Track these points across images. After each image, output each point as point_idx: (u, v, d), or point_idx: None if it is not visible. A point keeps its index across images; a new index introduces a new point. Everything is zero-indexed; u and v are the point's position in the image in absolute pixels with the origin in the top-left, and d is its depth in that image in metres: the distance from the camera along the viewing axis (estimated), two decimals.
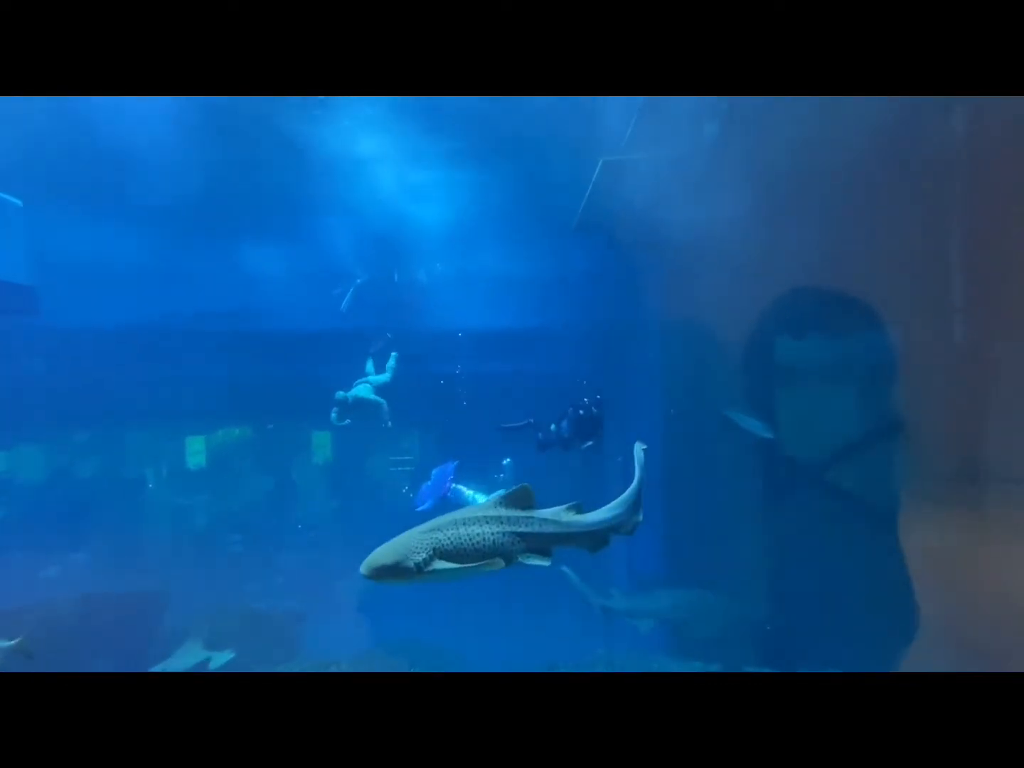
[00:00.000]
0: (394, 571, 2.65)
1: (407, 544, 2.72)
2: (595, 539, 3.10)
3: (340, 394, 7.78)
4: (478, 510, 2.93)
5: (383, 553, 2.71)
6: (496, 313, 9.22)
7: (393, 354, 8.22)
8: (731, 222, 5.60)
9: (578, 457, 7.65)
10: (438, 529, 2.79)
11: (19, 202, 7.11)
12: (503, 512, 2.90)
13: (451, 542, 2.75)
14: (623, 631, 8.91)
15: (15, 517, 9.27)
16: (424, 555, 2.68)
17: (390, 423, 7.81)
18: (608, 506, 3.17)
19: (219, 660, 6.35)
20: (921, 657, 3.88)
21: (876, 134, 4.11)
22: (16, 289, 7.41)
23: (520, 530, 2.88)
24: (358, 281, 8.94)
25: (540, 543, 2.93)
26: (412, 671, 5.90)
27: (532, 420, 7.56)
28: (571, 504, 3.08)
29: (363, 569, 2.67)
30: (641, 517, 3.25)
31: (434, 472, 7.51)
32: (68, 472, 9.96)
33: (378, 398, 7.84)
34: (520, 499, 2.97)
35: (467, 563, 2.74)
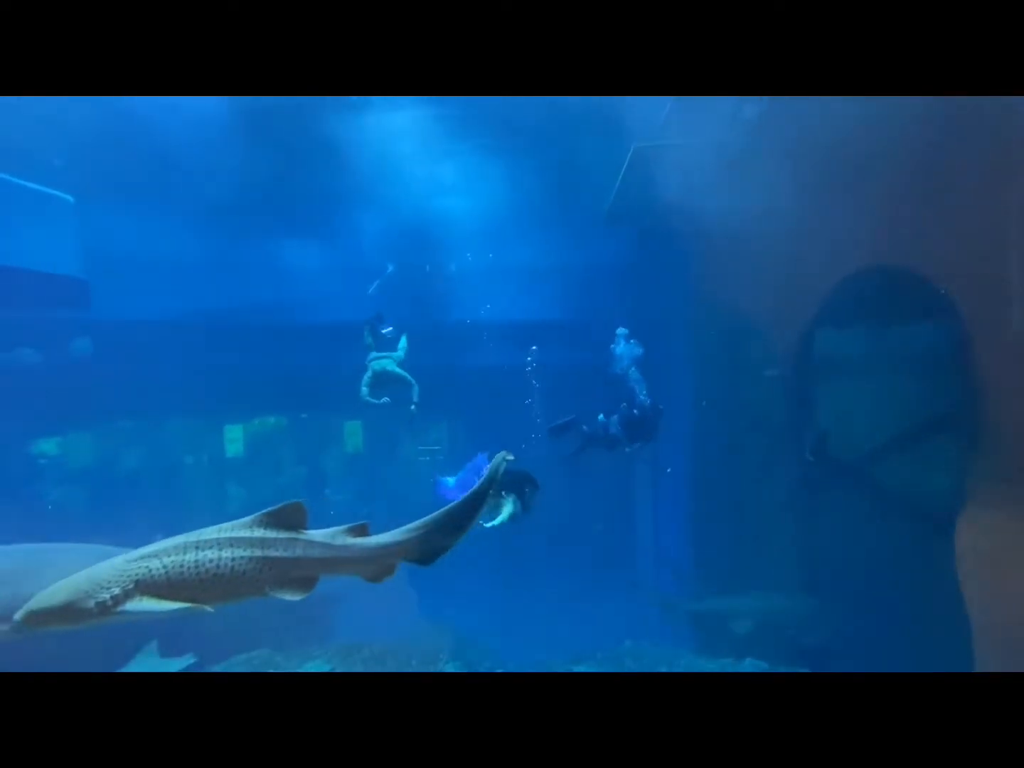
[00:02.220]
0: (63, 614, 2.09)
1: (97, 577, 2.18)
2: (377, 566, 2.67)
3: (378, 365, 7.24)
4: (225, 530, 2.44)
5: (56, 589, 2.15)
6: (526, 304, 9.21)
7: (404, 335, 7.66)
8: (771, 209, 5.44)
9: (617, 462, 7.24)
10: (156, 555, 2.28)
11: (71, 199, 7.46)
12: (258, 533, 2.45)
13: (166, 572, 2.23)
14: (650, 625, 8.86)
15: (68, 500, 9.76)
16: (118, 590, 2.14)
17: (414, 406, 7.29)
18: (402, 529, 2.69)
19: (175, 666, 5.97)
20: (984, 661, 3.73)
21: (923, 119, 3.94)
22: (69, 282, 7.79)
23: (277, 555, 2.43)
24: (389, 270, 9.05)
25: (303, 570, 2.50)
26: (439, 655, 5.99)
27: (575, 416, 7.10)
28: (354, 524, 2.64)
29: (17, 615, 2.12)
30: (451, 542, 2.72)
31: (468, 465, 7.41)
32: (116, 458, 10.45)
33: (409, 377, 7.38)
34: (286, 518, 2.51)
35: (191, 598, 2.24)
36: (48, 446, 10.02)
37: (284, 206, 8.18)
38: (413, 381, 7.31)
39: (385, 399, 7.17)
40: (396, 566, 2.71)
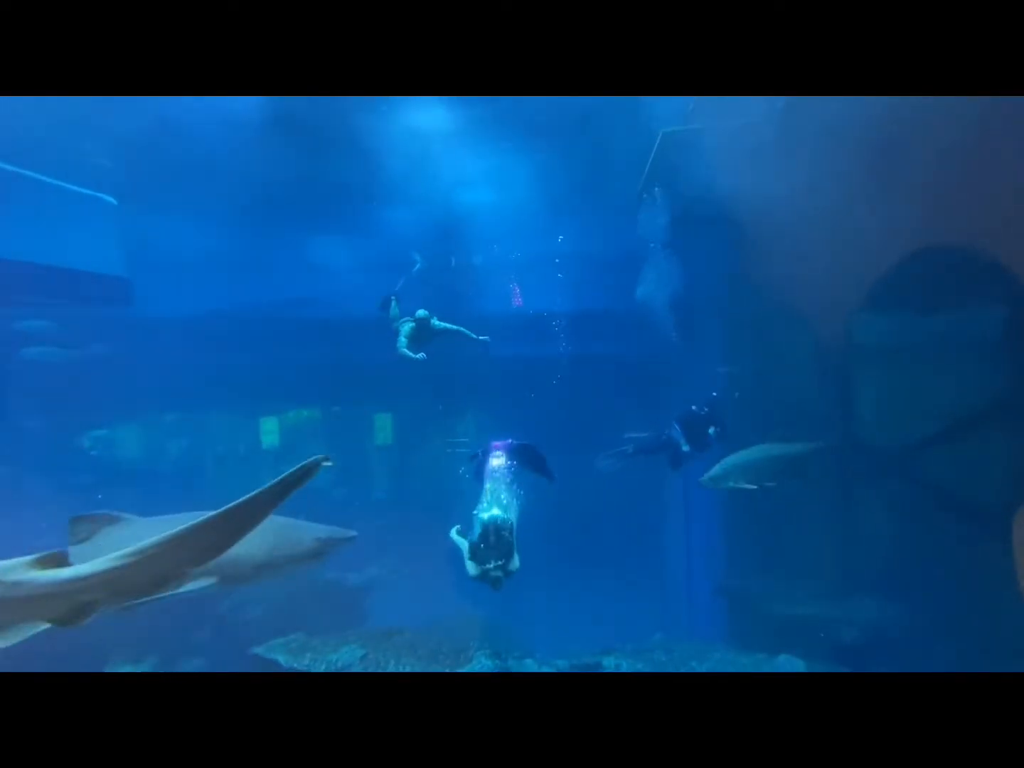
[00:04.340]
0: None
1: None
2: (69, 604, 2.05)
3: (422, 312, 6.63)
4: None
5: None
6: (554, 294, 9.16)
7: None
8: (804, 194, 5.26)
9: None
10: None
11: (114, 200, 7.77)
12: None
13: None
14: (682, 619, 8.77)
15: (114, 489, 10.25)
16: None
17: (485, 337, 6.65)
18: (111, 556, 2.07)
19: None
20: None
21: (963, 102, 3.73)
22: (113, 281, 8.14)
23: None
24: (416, 267, 9.13)
25: None
26: (469, 643, 6.07)
27: (630, 449, 6.81)
28: (49, 553, 2.07)
29: None
30: (185, 568, 2.14)
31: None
32: (158, 448, 10.92)
33: (452, 326, 6.75)
34: None
35: None
36: (95, 438, 10.54)
37: (315, 204, 8.32)
38: (460, 327, 6.72)
39: (421, 355, 6.51)
40: (96, 604, 2.07)
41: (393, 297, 7.11)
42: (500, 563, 4.08)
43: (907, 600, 5.16)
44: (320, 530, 3.75)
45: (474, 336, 6.65)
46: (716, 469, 5.87)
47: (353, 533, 3.88)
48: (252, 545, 2.70)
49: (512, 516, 4.42)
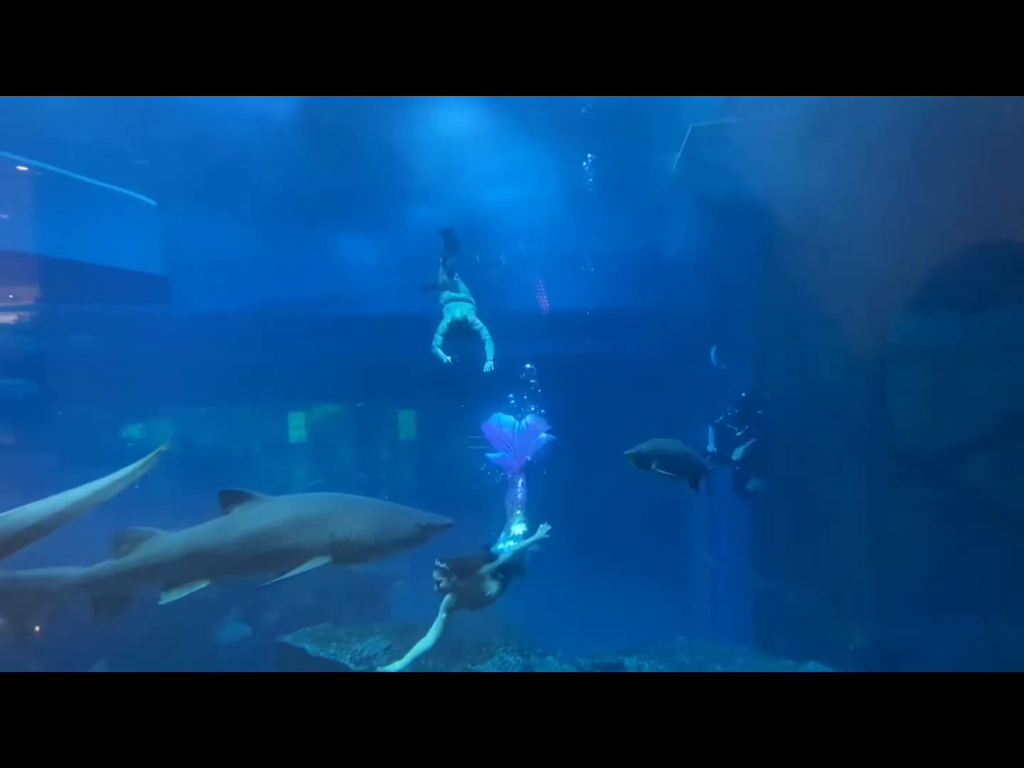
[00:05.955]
0: None
1: None
2: None
3: (459, 311, 6.03)
4: None
5: None
6: (579, 292, 9.12)
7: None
8: (839, 191, 5.12)
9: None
10: None
11: (153, 202, 8.05)
12: None
13: None
14: (706, 622, 8.65)
15: (150, 481, 10.64)
16: None
17: (490, 363, 5.92)
18: None
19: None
20: None
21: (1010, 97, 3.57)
22: (153, 280, 8.45)
23: None
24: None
25: None
26: (491, 639, 6.11)
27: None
28: None
29: None
30: None
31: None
32: (192, 441, 11.30)
33: (486, 331, 6.01)
34: None
35: None
36: (134, 430, 10.97)
37: (343, 203, 8.46)
38: (488, 336, 6.01)
39: (448, 359, 5.96)
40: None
41: (441, 260, 6.50)
42: (442, 566, 4.04)
43: (944, 610, 4.98)
44: (421, 516, 3.85)
45: (489, 355, 6.03)
46: (642, 445, 5.62)
47: (450, 520, 3.99)
48: (363, 529, 3.11)
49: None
